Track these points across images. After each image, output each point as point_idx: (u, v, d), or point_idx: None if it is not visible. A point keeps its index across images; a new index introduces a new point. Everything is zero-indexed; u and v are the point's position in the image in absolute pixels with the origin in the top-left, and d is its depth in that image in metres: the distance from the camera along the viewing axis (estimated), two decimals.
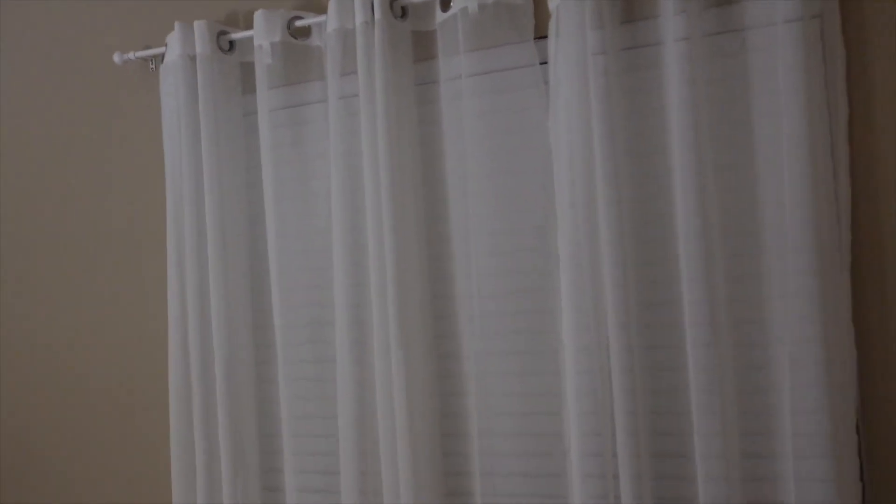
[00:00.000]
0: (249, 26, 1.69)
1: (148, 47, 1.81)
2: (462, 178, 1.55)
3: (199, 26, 1.65)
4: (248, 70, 1.69)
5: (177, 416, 1.69)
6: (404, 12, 1.56)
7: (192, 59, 1.66)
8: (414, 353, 1.52)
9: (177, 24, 1.68)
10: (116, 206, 1.87)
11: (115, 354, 1.86)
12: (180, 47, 1.67)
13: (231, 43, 1.69)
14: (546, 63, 1.50)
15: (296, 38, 1.63)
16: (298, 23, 1.63)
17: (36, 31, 1.94)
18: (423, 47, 1.58)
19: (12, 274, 1.96)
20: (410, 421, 1.50)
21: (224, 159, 1.66)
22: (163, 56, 1.74)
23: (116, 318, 1.86)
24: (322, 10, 1.63)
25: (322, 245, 1.64)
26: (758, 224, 1.40)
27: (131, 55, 1.78)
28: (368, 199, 1.54)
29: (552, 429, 1.50)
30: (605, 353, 1.41)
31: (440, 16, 1.54)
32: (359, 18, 1.52)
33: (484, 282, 1.53)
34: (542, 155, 1.51)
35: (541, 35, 1.52)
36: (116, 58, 1.79)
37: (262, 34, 1.61)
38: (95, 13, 1.89)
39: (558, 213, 1.48)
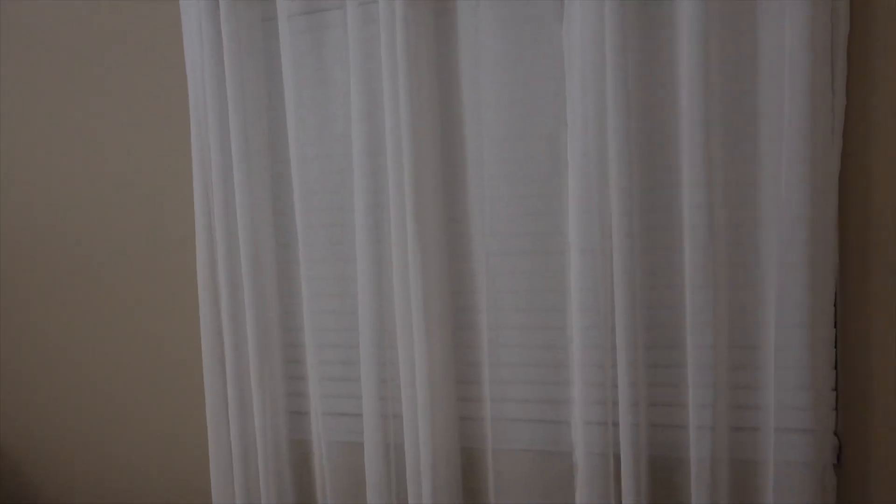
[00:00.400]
0: None
1: None
2: (476, 85, 1.59)
3: None
4: None
5: (206, 311, 1.79)
6: None
7: None
8: (429, 250, 1.60)
9: None
10: (140, 113, 1.91)
11: (147, 256, 1.95)
12: None
13: None
14: None
15: None
16: None
17: None
18: None
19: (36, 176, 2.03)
20: (427, 312, 1.59)
21: (245, 63, 1.68)
22: None
23: (145, 222, 1.94)
24: None
25: (341, 150, 1.70)
26: (756, 157, 1.44)
27: None
28: (387, 104, 1.57)
29: (556, 322, 1.60)
30: (609, 255, 1.49)
31: None
32: None
33: (495, 186, 1.60)
34: (555, 64, 1.54)
35: None
36: None
37: None
38: None
39: (569, 121, 1.52)
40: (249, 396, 1.76)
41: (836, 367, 1.47)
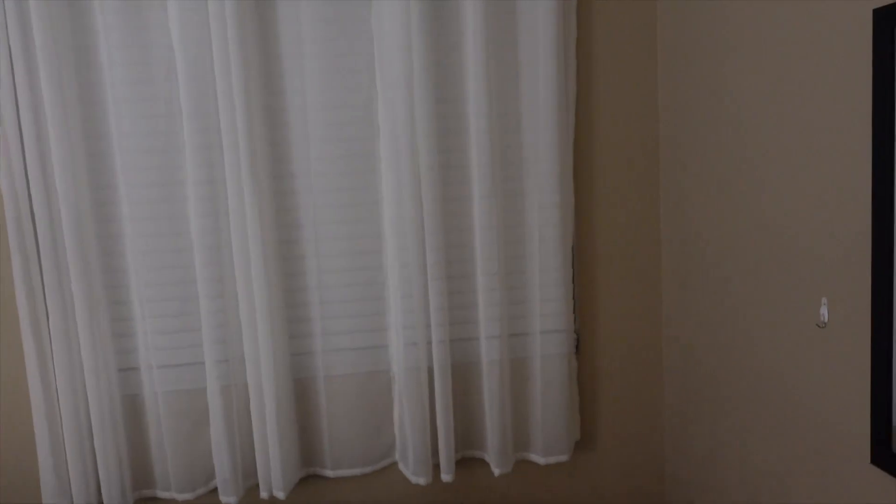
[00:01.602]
0: None
1: None
2: (298, 57, 1.78)
3: None
4: None
5: (20, 277, 1.71)
6: None
7: None
8: (264, 200, 1.76)
9: None
10: None
11: None
12: None
13: None
14: None
15: None
16: None
17: None
18: None
19: None
20: (265, 258, 1.76)
21: (58, 33, 1.64)
22: None
23: None
24: None
25: (165, 111, 1.74)
26: (520, 104, 1.88)
27: None
28: (218, 75, 1.69)
29: (375, 263, 1.90)
30: (417, 203, 1.81)
31: None
32: None
33: (317, 147, 1.82)
34: (365, 43, 1.81)
35: None
36: None
37: None
38: None
39: (379, 91, 1.81)
40: (78, 356, 1.74)
41: (573, 283, 2.02)
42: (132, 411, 1.85)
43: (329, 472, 1.97)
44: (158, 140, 1.75)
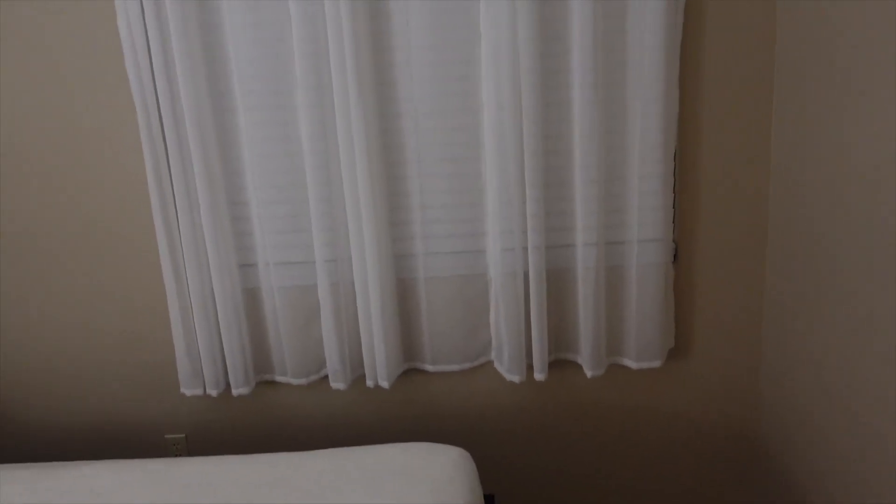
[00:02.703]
0: None
1: None
2: None
3: None
4: None
5: (153, 180, 1.88)
6: None
7: None
8: (368, 110, 1.82)
9: None
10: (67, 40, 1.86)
11: (89, 128, 1.94)
12: None
13: None
14: None
15: None
16: None
17: None
18: None
19: None
20: (370, 164, 1.84)
21: None
22: None
23: (84, 107, 1.92)
24: None
25: (277, 20, 1.80)
26: (626, 40, 1.84)
27: None
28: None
29: (474, 170, 1.94)
30: (517, 112, 1.84)
31: None
32: None
33: (418, 54, 1.85)
34: None
35: None
36: None
37: None
38: None
39: (482, 31, 1.81)
40: (205, 254, 1.92)
41: (674, 191, 2.00)
42: (252, 304, 2.03)
43: (429, 367, 2.10)
44: (271, 48, 1.83)
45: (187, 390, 2.05)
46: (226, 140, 1.90)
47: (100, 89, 1.92)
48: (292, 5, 1.76)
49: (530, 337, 2.02)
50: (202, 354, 2.01)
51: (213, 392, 2.04)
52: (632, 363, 2.07)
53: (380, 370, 2.02)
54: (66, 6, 1.86)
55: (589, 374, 2.04)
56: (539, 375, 2.03)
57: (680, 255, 2.07)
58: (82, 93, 1.92)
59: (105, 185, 1.98)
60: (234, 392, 2.04)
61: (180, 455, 2.22)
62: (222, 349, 2.03)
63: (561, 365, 2.14)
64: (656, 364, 2.06)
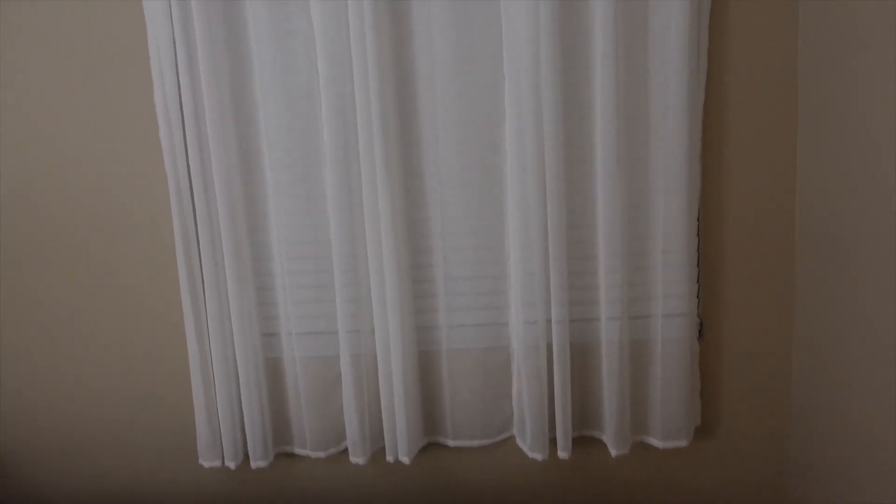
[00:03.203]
0: None
1: None
2: (429, 40, 1.85)
3: None
4: None
5: (181, 250, 1.91)
6: None
7: None
8: (394, 180, 1.86)
9: None
10: (101, 76, 1.94)
11: (121, 196, 1.99)
12: None
13: None
14: None
15: None
16: None
17: None
18: None
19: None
20: (395, 236, 1.87)
21: (213, 15, 1.80)
22: None
23: (116, 160, 1.98)
24: None
25: (306, 92, 1.86)
26: (648, 95, 1.87)
27: None
28: (355, 57, 1.78)
29: (497, 242, 1.96)
30: (540, 185, 1.85)
31: None
32: None
33: (444, 129, 1.89)
34: (495, 24, 1.85)
35: None
36: None
37: None
38: None
39: (507, 75, 1.85)
40: (229, 322, 1.94)
41: (698, 266, 1.99)
42: (273, 374, 2.02)
43: (450, 442, 2.07)
44: (300, 120, 1.88)
45: (206, 462, 2.03)
46: (253, 209, 1.93)
47: (133, 157, 1.97)
48: (322, 77, 1.82)
49: (553, 412, 1.99)
50: (222, 424, 1.99)
51: (232, 464, 2.02)
52: (657, 442, 2.02)
53: (400, 444, 1.99)
54: (105, 70, 1.94)
55: (613, 452, 1.99)
56: (562, 454, 1.99)
57: (705, 330, 2.05)
58: (114, 159, 1.98)
59: (133, 248, 2.02)
60: (253, 465, 2.01)
61: None
62: (242, 419, 2.01)
63: (585, 442, 2.09)
64: (682, 443, 2.01)
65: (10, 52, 1.93)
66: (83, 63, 1.93)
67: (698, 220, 1.96)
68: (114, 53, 1.93)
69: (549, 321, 1.93)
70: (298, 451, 2.06)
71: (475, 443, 2.06)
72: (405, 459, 2.00)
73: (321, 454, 2.04)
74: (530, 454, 2.01)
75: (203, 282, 1.93)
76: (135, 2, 1.89)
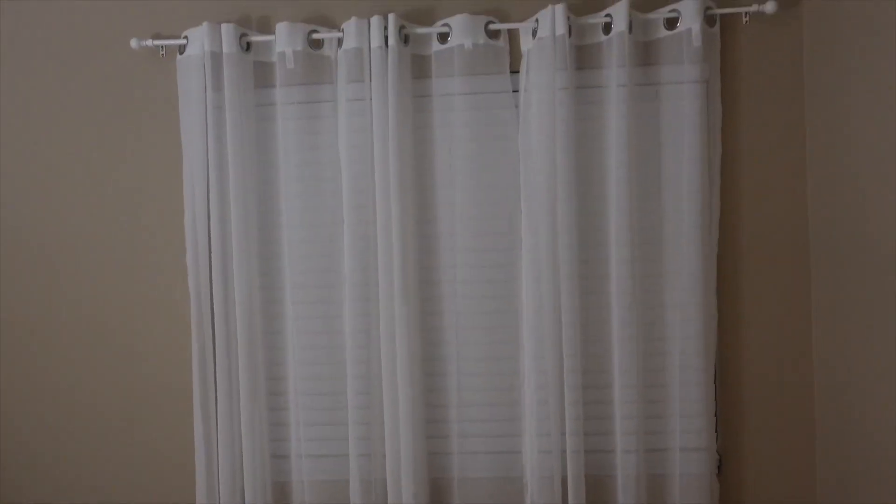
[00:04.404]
0: (261, 29, 1.98)
1: (158, 36, 2.01)
2: (450, 173, 1.94)
3: (226, 28, 1.88)
4: (259, 67, 1.95)
5: (198, 367, 1.92)
6: (406, 39, 1.91)
7: (217, 55, 1.90)
8: (411, 305, 1.89)
9: (206, 24, 1.89)
10: (133, 195, 2.05)
11: (146, 316, 2.05)
12: (208, 43, 1.89)
13: (248, 44, 1.93)
14: (517, 91, 1.94)
15: (311, 48, 1.93)
16: (314, 35, 1.92)
17: (42, 19, 2.05)
18: (417, 67, 1.94)
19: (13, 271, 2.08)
20: (411, 363, 1.88)
21: (246, 146, 1.90)
22: (180, 47, 1.95)
23: (143, 278, 2.04)
24: (330, 23, 1.97)
25: (330, 221, 1.94)
26: (663, 230, 1.91)
27: (149, 42, 1.95)
28: (378, 184, 1.87)
29: (512, 369, 1.95)
30: (555, 315, 1.87)
31: (436, 45, 1.93)
32: (374, 42, 1.86)
33: (464, 256, 1.94)
34: (511, 161, 1.93)
35: (514, 70, 1.94)
36: (134, 43, 1.95)
37: (285, 42, 1.89)
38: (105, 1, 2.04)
39: (523, 207, 1.92)
40: (239, 441, 1.91)
41: (715, 400, 1.96)
42: (281, 497, 1.97)
43: None
44: (321, 245, 1.94)
45: None
46: (271, 328, 1.96)
47: (157, 273, 2.04)
48: (345, 205, 1.90)
49: None
50: None
51: None
52: None
53: None
54: (141, 202, 2.04)
55: None
56: None
57: (725, 466, 1.99)
58: (140, 280, 2.04)
59: (151, 366, 2.04)
60: None
61: None
62: None
63: None
64: None
65: (46, 161, 2.05)
66: (119, 177, 2.05)
67: (715, 357, 1.95)
68: (149, 180, 2.04)
69: (563, 451, 1.89)
70: None
71: None
72: None
73: None
74: None
75: (216, 398, 1.93)
76: (174, 136, 2.01)
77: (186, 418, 2.02)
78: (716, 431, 1.96)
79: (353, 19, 1.89)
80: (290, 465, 1.96)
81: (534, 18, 1.90)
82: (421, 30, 1.93)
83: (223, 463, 1.91)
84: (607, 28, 1.88)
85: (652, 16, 1.90)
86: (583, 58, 1.91)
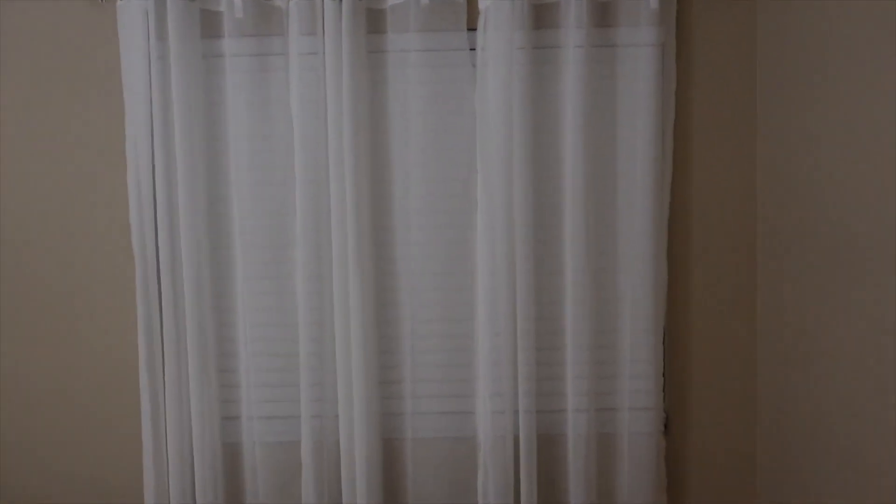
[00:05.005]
0: None
1: None
2: (405, 132, 1.90)
3: None
4: (206, 16, 1.86)
5: (144, 324, 1.86)
6: None
7: (161, 0, 1.81)
8: (364, 267, 1.86)
9: None
10: (72, 150, 1.95)
11: (89, 269, 1.96)
12: None
13: None
14: (474, 49, 1.90)
15: None
16: None
17: None
18: (372, 21, 1.88)
19: None
20: (364, 322, 1.85)
21: (191, 96, 1.82)
22: None
23: (84, 234, 1.96)
24: None
25: (281, 179, 1.88)
26: (616, 193, 1.92)
27: None
28: (331, 141, 1.82)
29: (466, 331, 1.95)
30: (510, 275, 1.87)
31: (392, 0, 1.87)
32: None
33: (418, 218, 1.92)
34: (467, 121, 1.91)
35: (471, 27, 1.91)
36: None
37: None
38: None
39: (479, 167, 1.90)
40: (187, 404, 1.87)
41: (664, 361, 2.01)
42: (231, 459, 1.94)
43: None
44: (272, 203, 1.89)
45: None
46: (220, 290, 1.91)
47: (101, 234, 1.96)
48: (297, 154, 1.85)
49: None
50: None
51: None
52: None
53: None
54: (79, 144, 1.95)
55: None
56: None
57: (671, 424, 2.04)
58: (81, 236, 1.96)
59: (94, 323, 1.97)
60: None
61: None
62: None
63: None
64: None
65: None
66: (59, 124, 1.94)
67: (664, 317, 1.99)
68: (88, 117, 1.94)
69: (516, 411, 1.91)
70: None
71: None
72: None
73: None
74: None
75: (163, 360, 1.88)
76: (115, 87, 1.92)
77: (132, 383, 1.96)
78: (663, 391, 2.00)
79: None
80: (241, 426, 1.93)
81: None
82: None
83: (171, 426, 1.87)
84: None
85: None
86: (541, 17, 1.88)
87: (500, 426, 1.91)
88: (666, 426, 2.03)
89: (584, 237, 1.87)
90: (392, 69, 1.89)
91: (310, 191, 1.85)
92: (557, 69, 1.89)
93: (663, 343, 1.98)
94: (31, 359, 1.98)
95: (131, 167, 1.86)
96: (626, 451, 1.95)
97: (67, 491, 2.01)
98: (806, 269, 1.77)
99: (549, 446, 1.97)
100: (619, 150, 1.92)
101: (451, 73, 1.91)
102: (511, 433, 1.92)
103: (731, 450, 2.05)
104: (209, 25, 1.88)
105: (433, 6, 1.87)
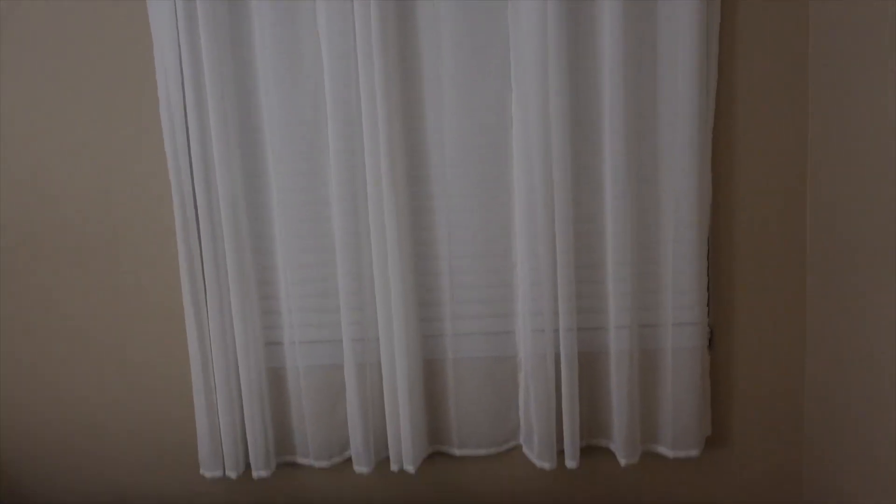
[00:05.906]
0: None
1: None
2: (437, 59, 1.83)
3: None
4: None
5: (184, 258, 1.87)
6: None
7: None
8: (399, 191, 1.83)
9: None
10: (105, 84, 1.92)
11: (126, 208, 1.97)
12: None
13: None
14: None
15: None
16: None
17: None
18: None
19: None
20: (401, 246, 1.83)
21: (219, 29, 1.77)
22: None
23: (120, 169, 1.95)
24: None
25: (314, 102, 1.83)
26: (657, 104, 1.83)
27: None
28: (362, 74, 1.76)
29: (505, 250, 1.92)
30: (548, 193, 1.81)
31: None
32: None
33: (452, 138, 1.86)
34: (502, 42, 1.82)
35: None
36: None
37: None
38: None
39: (514, 87, 1.82)
40: (231, 332, 1.90)
41: (708, 274, 1.95)
42: (276, 383, 1.98)
43: (455, 451, 2.03)
44: (306, 129, 1.85)
45: (207, 472, 1.99)
46: (257, 217, 1.90)
47: (137, 167, 1.95)
48: (328, 86, 1.79)
49: (561, 422, 1.95)
50: (223, 434, 1.96)
51: (233, 474, 1.98)
52: (667, 451, 1.98)
53: (405, 453, 1.96)
54: (110, 80, 1.92)
55: (623, 462, 1.96)
56: (570, 462, 1.95)
57: (716, 339, 2.01)
58: (118, 169, 1.95)
59: (135, 256, 1.99)
60: (255, 474, 1.97)
61: None
62: (244, 429, 1.98)
63: (593, 452, 2.05)
64: (693, 453, 1.97)
65: (12, 54, 1.90)
66: (89, 71, 1.91)
67: (708, 231, 1.92)
68: (120, 64, 1.90)
69: (556, 330, 1.89)
70: (301, 460, 2.03)
71: (481, 452, 2.03)
72: (410, 469, 1.97)
73: (324, 463, 2.01)
74: (538, 463, 1.98)
75: (206, 291, 1.89)
76: (141, 19, 1.87)
77: (178, 320, 2.00)
78: (707, 306, 1.96)
79: None
80: (284, 351, 1.96)
81: None
82: None
83: (216, 353, 1.90)
84: None
85: None
86: None
87: (541, 344, 1.90)
88: (710, 341, 2.00)
89: (623, 149, 1.79)
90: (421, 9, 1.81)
91: (342, 111, 1.80)
92: (599, 5, 1.78)
93: (707, 256, 1.92)
94: (71, 289, 2.02)
95: (163, 101, 1.81)
96: (669, 366, 1.93)
97: (119, 419, 2.09)
98: (861, 180, 1.67)
99: (590, 363, 1.96)
100: (660, 63, 1.80)
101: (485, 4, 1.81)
102: (552, 352, 1.91)
103: (776, 362, 2.02)
104: None
105: None
